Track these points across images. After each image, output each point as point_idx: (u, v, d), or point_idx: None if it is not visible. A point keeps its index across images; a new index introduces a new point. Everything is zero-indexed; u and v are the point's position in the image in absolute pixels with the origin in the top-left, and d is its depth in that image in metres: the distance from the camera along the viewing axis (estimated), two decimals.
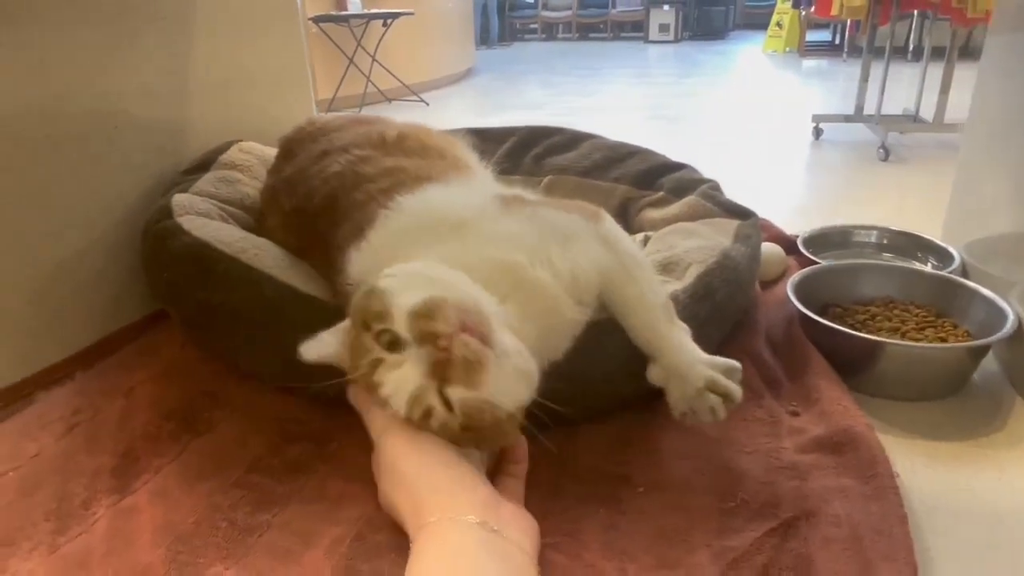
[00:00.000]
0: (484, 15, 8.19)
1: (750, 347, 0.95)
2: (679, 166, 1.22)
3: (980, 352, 0.89)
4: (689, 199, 1.11)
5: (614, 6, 9.05)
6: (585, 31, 9.50)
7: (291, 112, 1.15)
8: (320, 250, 0.85)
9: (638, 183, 1.21)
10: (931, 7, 3.36)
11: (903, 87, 3.70)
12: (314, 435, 0.83)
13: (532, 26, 9.72)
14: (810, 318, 0.92)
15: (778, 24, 7.19)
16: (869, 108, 3.14)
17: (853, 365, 0.88)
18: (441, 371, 0.59)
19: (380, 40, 4.45)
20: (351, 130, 0.99)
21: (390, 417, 0.64)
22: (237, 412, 0.88)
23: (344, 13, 4.28)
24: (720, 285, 0.89)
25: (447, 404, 0.60)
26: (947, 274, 1.02)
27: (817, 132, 3.11)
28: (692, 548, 0.66)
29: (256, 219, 1.06)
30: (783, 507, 0.69)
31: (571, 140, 1.30)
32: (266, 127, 1.19)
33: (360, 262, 0.75)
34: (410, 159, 0.89)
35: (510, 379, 0.61)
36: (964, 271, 1.14)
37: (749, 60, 6.81)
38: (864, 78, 3.15)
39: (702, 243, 0.96)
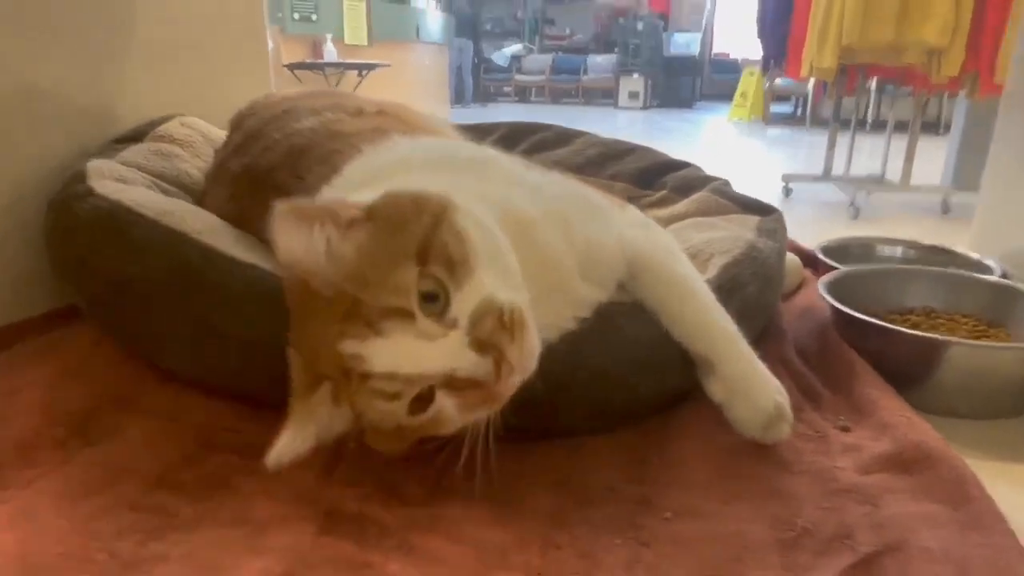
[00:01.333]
0: (459, 76, 8.27)
1: (780, 354, 0.79)
2: (682, 164, 1.09)
3: None
4: (699, 195, 0.97)
5: (586, 72, 9.24)
6: (558, 95, 9.67)
7: (245, 90, 1.00)
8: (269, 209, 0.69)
9: (637, 181, 1.08)
10: (895, 75, 3.44)
11: (866, 156, 3.74)
12: (243, 446, 0.64)
13: (506, 89, 9.86)
14: (853, 318, 0.78)
15: (743, 95, 7.39)
16: (837, 171, 3.20)
17: (905, 375, 0.74)
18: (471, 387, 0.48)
19: (355, 90, 4.38)
20: (322, 99, 0.85)
21: None
22: (149, 418, 0.69)
23: (320, 62, 4.22)
24: (749, 279, 0.74)
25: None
26: (999, 279, 0.90)
27: (787, 191, 3.12)
28: None
29: (196, 201, 0.89)
30: (858, 538, 0.53)
31: (561, 136, 1.18)
32: (216, 107, 1.03)
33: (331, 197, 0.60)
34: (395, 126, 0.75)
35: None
36: None
37: (715, 127, 6.94)
38: (831, 145, 3.22)
39: (724, 234, 0.82)
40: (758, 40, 4.14)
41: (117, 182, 0.78)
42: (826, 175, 3.28)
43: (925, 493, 0.58)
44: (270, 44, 1.25)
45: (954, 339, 0.76)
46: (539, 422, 0.60)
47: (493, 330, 0.46)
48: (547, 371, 0.51)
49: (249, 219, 0.74)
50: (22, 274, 0.90)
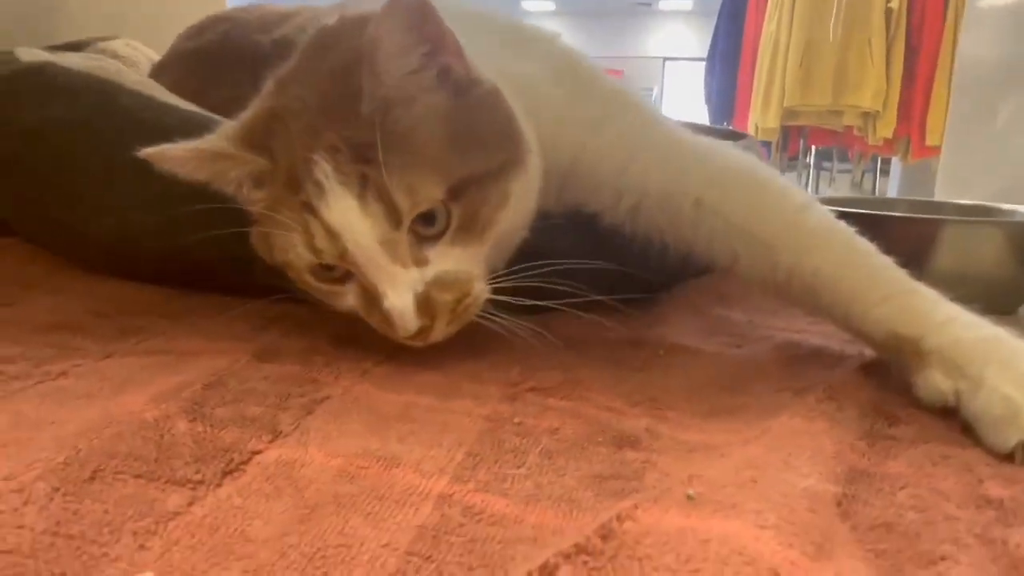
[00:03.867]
0: None
1: None
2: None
3: None
4: None
5: None
6: None
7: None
8: (240, 71, 0.62)
9: None
10: (834, 140, 3.64)
11: None
12: (172, 313, 0.55)
13: None
14: (843, 214, 0.74)
15: None
16: None
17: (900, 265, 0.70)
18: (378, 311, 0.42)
19: None
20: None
21: None
22: (61, 292, 0.59)
23: None
24: None
25: None
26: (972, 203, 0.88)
27: None
28: (758, 393, 0.42)
29: None
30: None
31: None
32: (166, 37, 0.97)
33: None
34: None
35: None
36: None
37: None
38: None
39: None
40: (705, 106, 4.36)
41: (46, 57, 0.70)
42: None
43: None
44: None
45: (948, 217, 0.73)
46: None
47: (442, 302, 0.41)
48: None
49: (207, 92, 0.67)
50: None
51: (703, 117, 4.27)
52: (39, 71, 0.62)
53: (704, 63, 4.20)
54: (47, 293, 0.59)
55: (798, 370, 0.45)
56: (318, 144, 0.40)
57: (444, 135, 0.41)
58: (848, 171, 3.85)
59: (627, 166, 0.50)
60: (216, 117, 0.58)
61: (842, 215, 0.75)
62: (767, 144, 3.91)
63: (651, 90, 10.08)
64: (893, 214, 0.75)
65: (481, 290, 0.43)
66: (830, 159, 4.15)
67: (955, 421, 0.38)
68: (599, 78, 0.55)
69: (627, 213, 0.50)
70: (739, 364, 0.47)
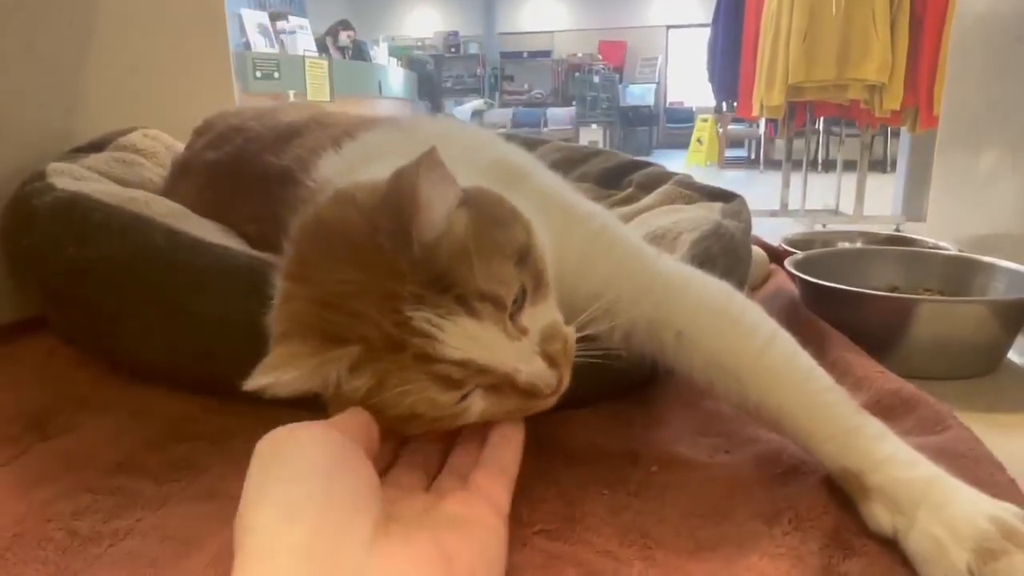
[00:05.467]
0: None
1: None
2: (646, 163, 1.11)
3: (1021, 311, 0.76)
4: (663, 188, 0.99)
5: (546, 124, 9.50)
6: None
7: (208, 109, 1.00)
8: (254, 192, 0.68)
9: (602, 182, 1.09)
10: (841, 112, 3.62)
11: (818, 193, 3.87)
12: (212, 432, 0.62)
13: None
14: (822, 288, 0.79)
15: (698, 140, 7.64)
16: (793, 206, 3.37)
17: (878, 339, 0.74)
18: (517, 394, 0.46)
19: None
20: (301, 106, 0.85)
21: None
22: (110, 413, 0.66)
23: None
24: (719, 253, 0.75)
25: None
26: (957, 252, 0.92)
27: None
28: (738, 522, 0.47)
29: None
30: None
31: (524, 144, 1.19)
32: (178, 125, 1.03)
33: (341, 160, 0.58)
34: None
35: None
36: None
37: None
38: (785, 183, 3.37)
39: (690, 215, 0.83)
40: (709, 84, 4.33)
41: (77, 180, 0.76)
42: (783, 209, 3.44)
43: (906, 433, 0.57)
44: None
45: (923, 297, 0.77)
46: None
47: (558, 351, 0.46)
48: None
49: (226, 207, 0.73)
50: None
51: (707, 92, 4.27)
52: (73, 205, 0.68)
53: (708, 28, 4.16)
54: (100, 413, 0.65)
55: (775, 490, 0.51)
56: (398, 303, 0.41)
57: (485, 231, 0.45)
58: (857, 135, 3.84)
59: (617, 299, 0.54)
60: (240, 251, 0.64)
61: (825, 291, 0.80)
62: (773, 121, 3.91)
63: (655, 59, 9.98)
64: (876, 292, 0.79)
65: (570, 330, 0.48)
66: (839, 123, 4.16)
67: (899, 549, 0.43)
68: (579, 204, 0.60)
69: (621, 341, 0.55)
70: (725, 482, 0.53)
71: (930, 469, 0.44)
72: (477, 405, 0.45)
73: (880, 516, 0.44)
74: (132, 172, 0.90)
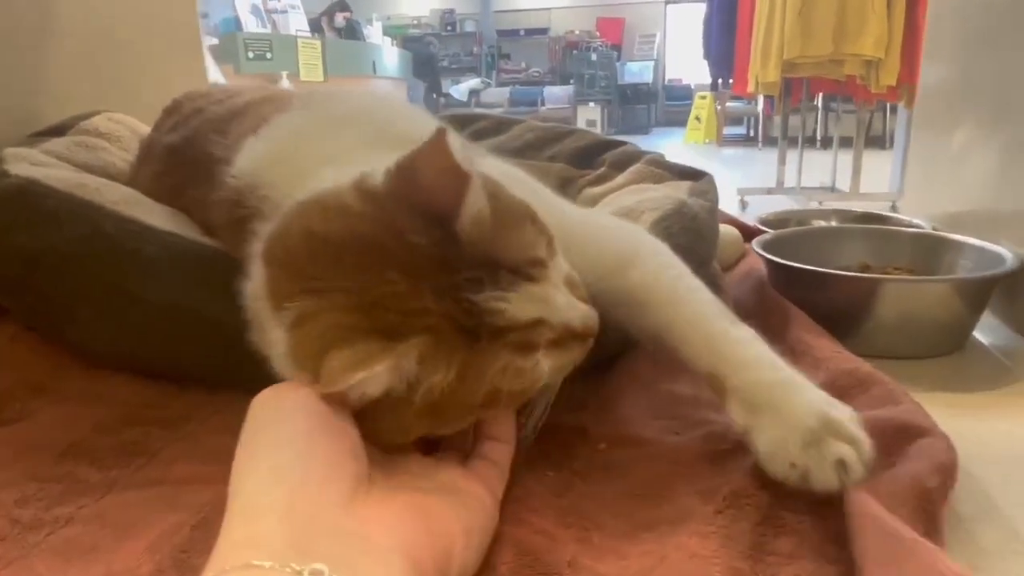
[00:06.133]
0: None
1: None
2: (620, 143, 1.10)
3: (985, 289, 0.76)
4: (635, 167, 0.98)
5: (543, 103, 9.42)
6: None
7: (179, 91, 0.98)
8: (199, 178, 0.67)
9: (575, 161, 1.08)
10: (838, 88, 3.58)
11: (816, 171, 3.85)
12: (167, 419, 0.62)
13: None
14: (788, 269, 0.79)
15: (697, 118, 7.57)
16: (789, 184, 3.36)
17: (844, 318, 0.74)
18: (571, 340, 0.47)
19: None
20: (273, 89, 0.84)
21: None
22: (66, 400, 0.66)
23: None
24: (679, 232, 0.74)
25: None
26: (926, 230, 0.92)
27: (743, 204, 3.22)
28: (676, 501, 0.48)
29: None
30: None
31: (499, 124, 1.18)
32: (147, 108, 1.01)
33: (260, 146, 0.58)
34: None
35: None
36: None
37: (672, 150, 7.07)
38: (781, 160, 3.35)
39: (656, 195, 0.82)
40: (704, 61, 4.28)
41: (34, 166, 0.75)
42: (779, 187, 3.43)
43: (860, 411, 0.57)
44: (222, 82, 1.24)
45: (887, 276, 0.77)
46: None
47: (583, 295, 0.48)
48: None
49: (179, 192, 0.72)
50: None
51: (705, 69, 4.23)
52: (25, 192, 0.67)
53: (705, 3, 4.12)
54: (57, 400, 0.66)
55: (716, 467, 0.51)
56: (457, 292, 0.41)
57: (502, 201, 0.45)
58: (854, 112, 3.81)
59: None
60: (190, 238, 0.63)
61: (791, 271, 0.79)
62: (770, 98, 3.87)
63: (654, 36, 9.87)
64: (839, 272, 0.78)
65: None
66: (836, 99, 4.14)
67: (832, 525, 0.43)
68: (505, 172, 0.61)
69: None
70: (670, 461, 0.53)
71: (783, 373, 0.48)
72: (545, 363, 0.44)
73: (736, 415, 0.48)
74: (95, 156, 0.89)
